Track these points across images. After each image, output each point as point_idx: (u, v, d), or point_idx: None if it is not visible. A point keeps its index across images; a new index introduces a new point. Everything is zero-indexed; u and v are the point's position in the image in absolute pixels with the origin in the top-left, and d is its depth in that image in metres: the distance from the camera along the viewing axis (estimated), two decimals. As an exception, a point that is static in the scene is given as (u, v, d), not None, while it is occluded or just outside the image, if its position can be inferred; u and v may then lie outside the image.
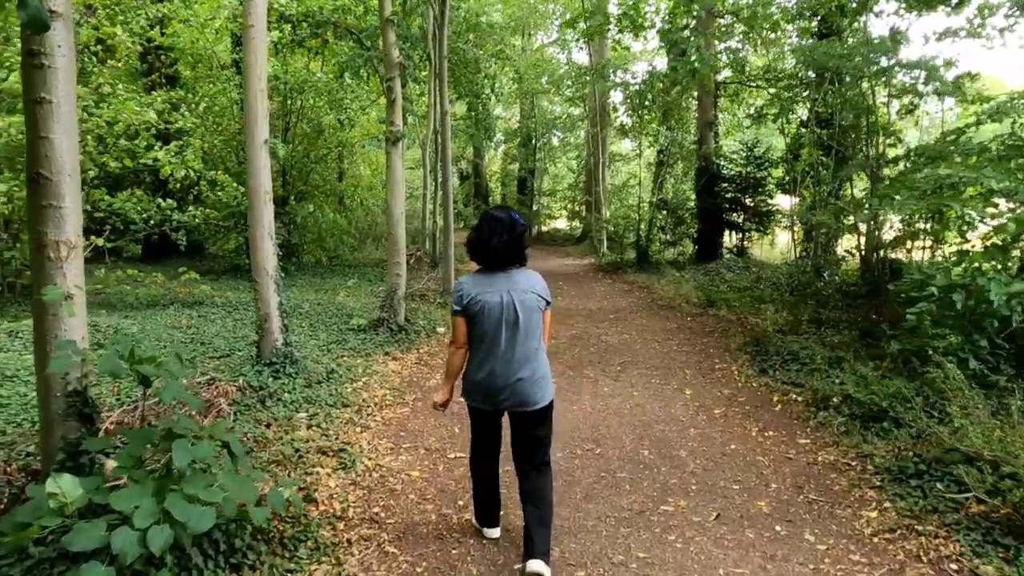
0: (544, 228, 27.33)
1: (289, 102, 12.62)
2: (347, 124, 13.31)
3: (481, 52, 13.63)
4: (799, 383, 5.58)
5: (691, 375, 6.34)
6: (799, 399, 5.29)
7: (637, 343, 7.79)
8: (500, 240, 2.94)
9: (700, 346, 7.56)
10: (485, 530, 3.30)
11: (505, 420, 3.11)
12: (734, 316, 9.10)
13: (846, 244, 9.87)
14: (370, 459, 4.17)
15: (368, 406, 5.15)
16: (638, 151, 16.74)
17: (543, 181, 27.43)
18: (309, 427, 4.48)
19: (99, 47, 9.21)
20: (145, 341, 6.44)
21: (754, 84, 15.35)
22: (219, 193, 10.78)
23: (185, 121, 9.71)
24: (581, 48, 24.07)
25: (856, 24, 10.18)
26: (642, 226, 15.01)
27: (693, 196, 15.61)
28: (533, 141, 25.21)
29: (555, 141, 27.85)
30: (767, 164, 14.53)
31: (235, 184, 10.30)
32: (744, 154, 14.71)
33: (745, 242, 15.04)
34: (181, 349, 6.14)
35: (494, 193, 32.30)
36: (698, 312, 9.67)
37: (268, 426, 4.43)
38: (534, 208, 26.02)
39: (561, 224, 28.55)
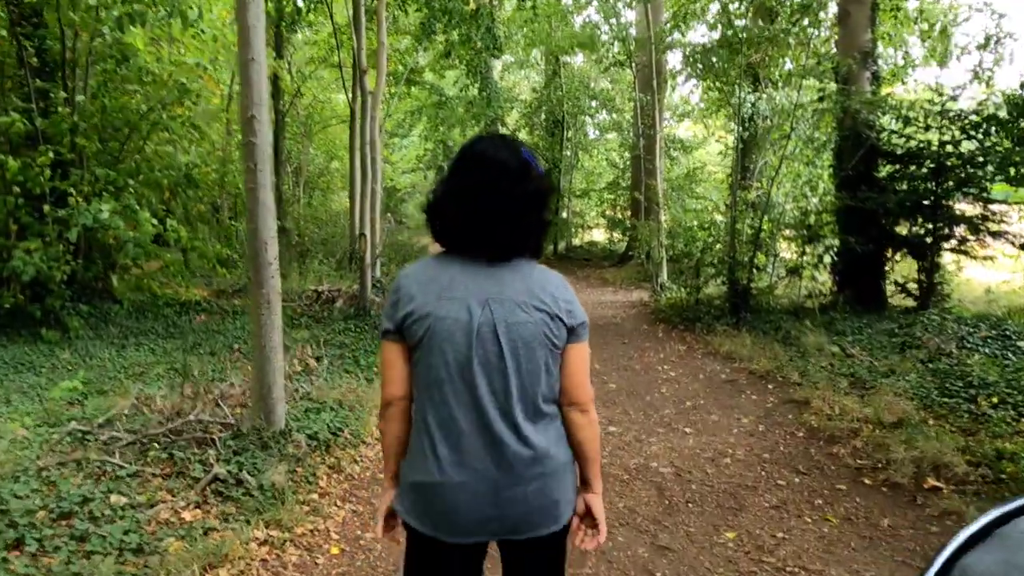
0: (576, 241, 20.42)
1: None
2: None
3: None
4: None
5: None
6: None
7: None
8: (501, 200, 1.30)
9: None
10: None
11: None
12: None
13: None
14: None
15: None
16: (724, 122, 9.94)
17: (573, 178, 20.35)
18: None
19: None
20: None
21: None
22: None
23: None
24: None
25: None
26: (738, 244, 8.20)
27: (827, 188, 8.77)
28: (562, 128, 18.37)
29: (590, 130, 20.93)
30: (981, 129, 7.55)
31: None
32: (935, 109, 7.76)
33: (934, 274, 8.00)
34: None
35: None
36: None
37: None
38: (563, 215, 19.08)
39: (599, 235, 21.33)
